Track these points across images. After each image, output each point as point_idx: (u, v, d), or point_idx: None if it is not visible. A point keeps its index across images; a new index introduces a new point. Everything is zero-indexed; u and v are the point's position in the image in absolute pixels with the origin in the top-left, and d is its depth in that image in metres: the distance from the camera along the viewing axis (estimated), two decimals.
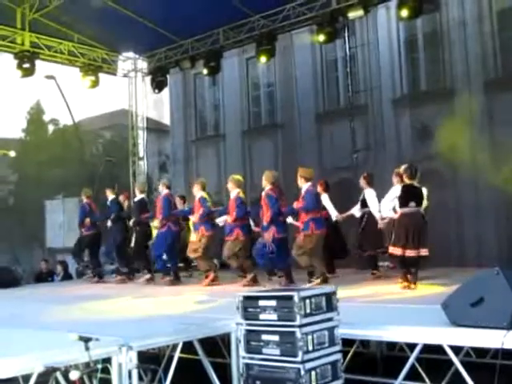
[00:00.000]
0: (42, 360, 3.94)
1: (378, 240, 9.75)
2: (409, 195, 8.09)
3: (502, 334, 4.19)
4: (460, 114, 12.81)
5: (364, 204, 9.99)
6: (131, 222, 11.60)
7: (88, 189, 12.91)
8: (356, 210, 10.22)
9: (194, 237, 10.48)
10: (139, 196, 11.70)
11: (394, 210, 8.28)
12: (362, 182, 10.07)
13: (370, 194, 9.83)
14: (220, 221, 10.60)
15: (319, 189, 10.42)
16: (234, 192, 9.96)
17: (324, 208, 10.24)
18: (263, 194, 9.30)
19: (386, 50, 14.74)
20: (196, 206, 10.28)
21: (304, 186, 9.07)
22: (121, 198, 12.43)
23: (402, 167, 8.38)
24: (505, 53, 13.12)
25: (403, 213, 8.09)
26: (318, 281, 8.71)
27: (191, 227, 10.89)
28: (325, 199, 10.27)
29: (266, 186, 9.30)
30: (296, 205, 8.99)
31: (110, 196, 12.08)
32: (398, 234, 8.04)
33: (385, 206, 8.48)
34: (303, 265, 9.03)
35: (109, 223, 11.91)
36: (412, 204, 8.06)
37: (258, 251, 9.24)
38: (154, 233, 11.53)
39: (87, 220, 12.12)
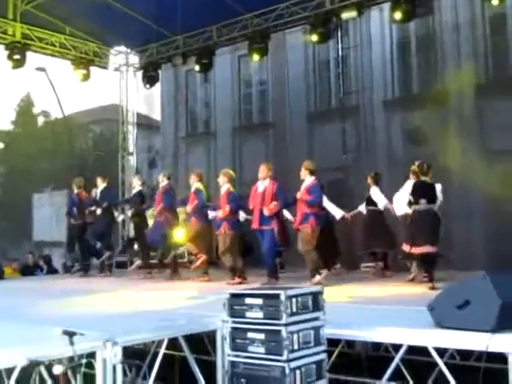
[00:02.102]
0: (25, 353, 3.90)
1: (376, 239, 10.03)
2: (419, 192, 8.11)
3: (487, 337, 4.21)
4: (451, 118, 12.86)
5: (369, 202, 10.25)
6: (129, 213, 11.80)
7: (80, 178, 12.81)
8: (363, 208, 10.47)
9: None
10: (137, 187, 11.83)
11: (409, 205, 8.27)
12: (369, 181, 10.30)
13: (375, 192, 10.08)
14: (212, 216, 10.54)
15: None
16: (225, 186, 9.89)
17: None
18: (270, 186, 9.09)
19: (379, 51, 14.77)
20: (191, 197, 10.34)
21: (308, 178, 8.97)
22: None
23: (416, 163, 8.39)
24: (496, 57, 13.19)
25: (414, 210, 8.10)
26: (324, 275, 8.73)
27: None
28: (325, 201, 10.31)
29: (266, 177, 9.16)
30: (300, 196, 8.80)
31: (102, 185, 12.13)
32: (411, 232, 8.05)
33: (398, 203, 8.47)
34: (310, 260, 8.83)
35: (98, 211, 11.83)
36: (422, 201, 8.06)
37: (268, 251, 9.03)
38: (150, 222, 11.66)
39: (75, 210, 12.12)
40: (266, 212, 8.89)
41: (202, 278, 10.13)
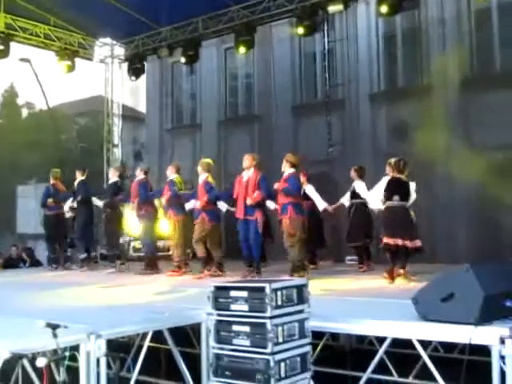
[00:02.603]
0: (8, 346, 3.87)
1: (365, 230, 9.98)
2: (393, 189, 8.13)
3: (470, 329, 4.23)
4: (436, 112, 12.91)
5: (353, 195, 10.10)
6: (101, 204, 11.50)
7: (57, 169, 12.64)
8: (345, 200, 10.36)
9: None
10: (114, 179, 11.55)
11: (383, 201, 8.33)
12: (353, 174, 10.16)
13: (360, 185, 9.92)
14: (189, 206, 10.29)
15: (302, 179, 10.47)
16: (203, 176, 9.79)
17: (308, 198, 10.28)
18: (253, 176, 9.01)
19: (365, 45, 14.78)
20: (165, 189, 10.26)
21: (288, 170, 8.92)
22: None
23: (392, 160, 8.42)
24: (481, 51, 13.25)
25: (386, 206, 8.16)
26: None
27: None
28: (310, 190, 10.29)
29: (251, 167, 9.08)
30: (277, 186, 8.78)
31: (79, 178, 11.89)
32: (385, 226, 8.11)
33: (372, 198, 8.52)
34: (292, 256, 8.71)
35: (74, 204, 11.72)
36: (396, 198, 8.09)
37: (255, 241, 8.97)
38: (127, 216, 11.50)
39: (49, 200, 11.95)
40: (249, 201, 8.84)
41: (211, 273, 9.65)
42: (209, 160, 10.15)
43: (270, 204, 9.53)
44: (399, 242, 7.92)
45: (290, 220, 8.67)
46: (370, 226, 10.08)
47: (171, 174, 10.44)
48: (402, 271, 8.06)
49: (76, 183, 11.91)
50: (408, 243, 7.92)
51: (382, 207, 8.32)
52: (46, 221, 12.30)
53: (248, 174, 9.12)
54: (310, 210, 10.32)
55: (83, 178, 11.92)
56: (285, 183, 8.78)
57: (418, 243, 7.99)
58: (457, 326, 4.36)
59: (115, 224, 11.52)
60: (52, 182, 12.27)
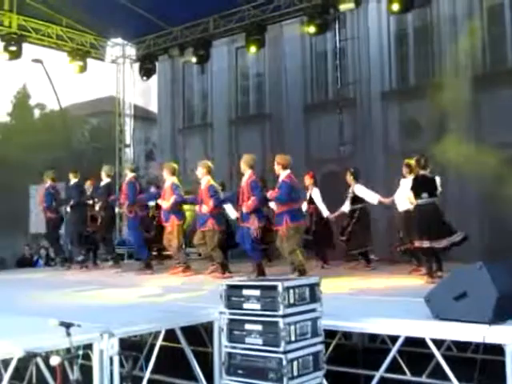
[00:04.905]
0: (22, 345, 3.90)
1: (366, 237, 9.86)
2: (420, 186, 8.02)
3: (484, 328, 4.21)
4: (448, 110, 12.83)
5: (355, 200, 9.88)
6: (97, 207, 11.21)
7: (51, 171, 12.32)
8: (346, 207, 10.09)
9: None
10: (106, 180, 11.22)
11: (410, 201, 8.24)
12: (349, 178, 9.98)
13: (360, 188, 9.76)
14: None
15: (308, 182, 10.29)
16: (205, 179, 9.44)
17: (312, 202, 10.19)
18: (246, 180, 8.67)
19: (376, 43, 14.73)
20: (167, 193, 9.76)
21: (282, 173, 8.47)
22: (88, 183, 11.89)
23: (414, 158, 8.34)
24: (494, 48, 13.17)
25: (416, 205, 8.03)
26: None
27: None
28: (315, 195, 10.18)
29: (246, 170, 8.74)
30: (270, 195, 8.48)
31: (73, 180, 11.69)
32: (418, 226, 7.98)
33: (401, 199, 8.42)
34: (293, 260, 8.44)
35: (68, 209, 11.59)
36: (424, 195, 7.95)
37: (243, 238, 8.70)
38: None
39: (54, 204, 11.76)
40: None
41: (212, 269, 9.62)
42: (209, 162, 9.90)
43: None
44: (426, 243, 7.79)
45: (287, 229, 8.30)
46: (369, 231, 10.02)
47: (168, 176, 9.88)
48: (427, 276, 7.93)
49: (70, 186, 11.73)
50: (435, 244, 7.79)
51: (411, 207, 8.23)
52: (49, 225, 12.12)
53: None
54: (317, 211, 10.26)
55: (77, 180, 11.68)
56: (277, 191, 8.38)
57: (444, 243, 7.82)
58: (470, 325, 4.34)
59: (109, 226, 11.40)
60: (51, 183, 11.95)
